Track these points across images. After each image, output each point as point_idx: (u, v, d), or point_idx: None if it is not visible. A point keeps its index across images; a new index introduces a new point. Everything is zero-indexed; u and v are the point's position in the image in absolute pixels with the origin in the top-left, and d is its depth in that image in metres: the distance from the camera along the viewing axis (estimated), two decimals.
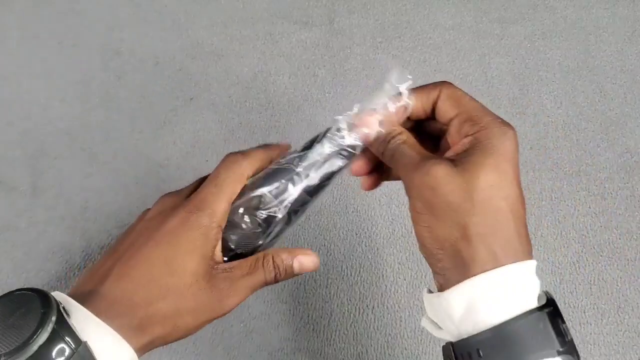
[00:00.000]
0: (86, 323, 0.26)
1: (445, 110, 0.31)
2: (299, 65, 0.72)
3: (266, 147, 0.36)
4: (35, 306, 0.25)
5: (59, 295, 0.28)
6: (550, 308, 0.28)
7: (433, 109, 0.33)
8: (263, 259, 0.33)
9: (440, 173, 0.28)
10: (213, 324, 0.55)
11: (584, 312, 0.57)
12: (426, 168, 0.28)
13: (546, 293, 0.29)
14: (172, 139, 0.66)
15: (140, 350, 0.29)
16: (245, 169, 0.33)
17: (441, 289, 0.29)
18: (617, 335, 0.55)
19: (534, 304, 0.28)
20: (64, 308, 0.26)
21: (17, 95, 0.69)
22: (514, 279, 0.27)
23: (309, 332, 0.55)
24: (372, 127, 0.33)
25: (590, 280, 0.58)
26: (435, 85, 0.32)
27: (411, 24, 0.75)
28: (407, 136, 0.32)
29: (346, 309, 0.56)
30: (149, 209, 0.33)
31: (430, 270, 0.31)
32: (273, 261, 0.33)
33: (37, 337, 0.24)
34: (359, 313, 0.56)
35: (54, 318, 0.25)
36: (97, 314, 0.27)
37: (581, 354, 0.56)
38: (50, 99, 0.69)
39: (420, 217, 0.29)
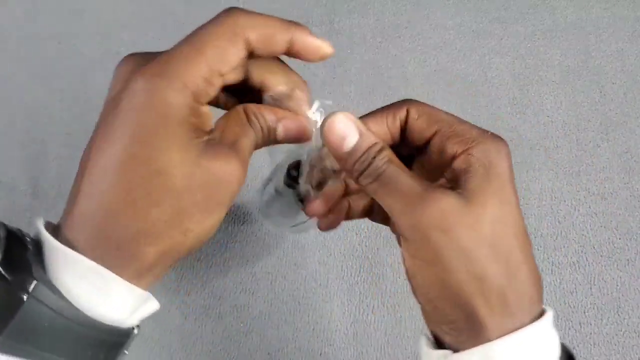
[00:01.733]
0: (56, 257, 0.21)
1: (421, 129, 0.25)
2: (299, 65, 0.72)
3: (283, 22, 0.26)
4: None
5: (36, 225, 0.23)
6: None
7: (401, 132, 0.27)
8: (248, 115, 0.25)
9: (451, 209, 0.22)
10: (213, 324, 0.55)
11: (584, 312, 0.56)
12: (433, 202, 0.22)
13: (563, 347, 0.25)
14: None
15: (147, 277, 0.23)
16: (242, 28, 0.24)
17: (447, 346, 0.25)
18: (617, 335, 0.55)
19: None
20: (26, 240, 0.22)
21: (17, 95, 0.69)
22: (534, 341, 0.23)
23: (309, 332, 0.55)
24: (347, 133, 0.24)
25: (591, 280, 0.58)
26: (399, 104, 0.26)
27: (411, 24, 0.75)
28: (391, 153, 0.25)
29: (346, 309, 0.56)
30: (129, 57, 0.25)
31: None
32: (258, 118, 0.26)
33: None
34: (359, 313, 0.56)
35: None
36: (73, 241, 0.21)
37: (581, 355, 0.56)
38: (50, 99, 0.69)
39: (423, 268, 0.24)
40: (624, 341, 0.55)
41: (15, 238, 0.22)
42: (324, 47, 0.27)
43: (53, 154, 0.65)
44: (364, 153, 0.24)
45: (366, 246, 0.59)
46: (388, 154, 0.24)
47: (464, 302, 0.23)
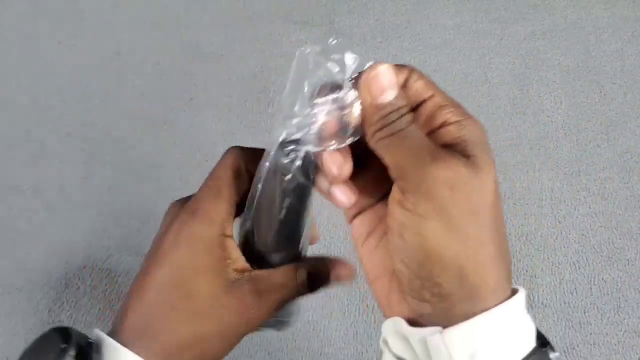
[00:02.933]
0: (114, 354, 0.25)
1: (418, 90, 0.26)
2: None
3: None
4: (54, 342, 0.25)
5: (96, 332, 0.27)
6: (547, 345, 0.25)
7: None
8: (296, 268, 0.29)
9: (462, 170, 0.23)
10: None
11: (584, 312, 0.57)
12: (447, 161, 0.23)
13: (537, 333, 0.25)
14: (172, 139, 0.66)
15: None
16: (242, 161, 0.28)
17: (423, 322, 0.24)
18: (617, 335, 0.55)
19: (533, 342, 0.24)
20: (90, 342, 0.26)
21: (17, 95, 0.69)
22: (517, 315, 0.24)
23: (309, 332, 0.55)
24: (389, 87, 0.25)
25: (590, 280, 0.58)
26: (402, 65, 0.27)
27: (411, 24, 0.75)
28: (412, 116, 0.25)
29: (346, 309, 0.56)
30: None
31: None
32: (307, 271, 0.29)
33: None
34: (359, 313, 0.56)
35: (72, 352, 0.24)
36: (125, 343, 0.26)
37: (581, 354, 0.56)
38: (50, 99, 0.69)
39: (424, 223, 0.23)
40: (624, 341, 0.55)
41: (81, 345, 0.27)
42: None
43: (53, 154, 0.65)
44: (396, 109, 0.25)
45: None
46: (410, 117, 0.25)
47: (457, 265, 0.23)
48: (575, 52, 0.73)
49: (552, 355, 0.24)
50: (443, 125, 0.25)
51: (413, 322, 0.25)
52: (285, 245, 0.29)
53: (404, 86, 0.26)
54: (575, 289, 0.58)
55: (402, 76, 0.26)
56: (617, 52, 0.73)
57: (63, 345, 0.24)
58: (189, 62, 0.72)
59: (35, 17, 0.76)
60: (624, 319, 0.56)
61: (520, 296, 0.24)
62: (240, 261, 0.28)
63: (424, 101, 0.26)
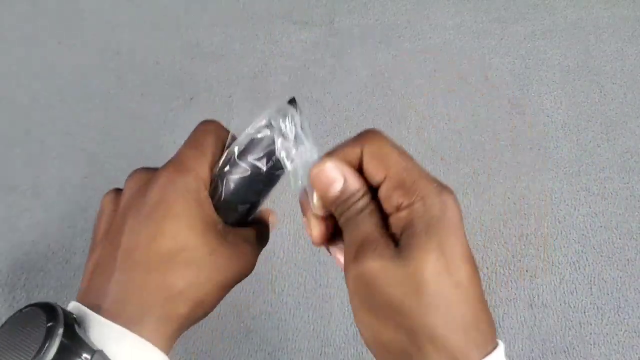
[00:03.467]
0: (101, 330, 0.25)
1: (372, 173, 0.26)
2: (299, 65, 0.72)
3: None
4: (41, 321, 0.24)
5: (74, 305, 0.26)
6: None
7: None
8: (258, 226, 0.31)
9: (376, 267, 0.24)
10: (213, 324, 0.55)
11: (584, 312, 0.57)
12: (360, 259, 0.24)
13: None
14: (172, 139, 0.66)
15: (171, 340, 0.27)
16: (224, 134, 0.30)
17: None
18: (617, 335, 0.55)
19: None
20: (75, 318, 0.25)
21: (17, 95, 0.69)
22: None
23: (309, 332, 0.55)
24: (334, 179, 0.26)
25: (591, 280, 0.58)
26: (357, 140, 0.27)
27: (411, 24, 0.75)
28: (368, 198, 0.26)
29: (346, 309, 0.56)
30: (116, 189, 0.30)
31: None
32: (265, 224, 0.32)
33: (44, 354, 0.23)
34: None
35: (60, 331, 0.23)
36: (112, 317, 0.25)
37: (581, 354, 0.56)
38: (50, 99, 0.69)
39: (360, 315, 0.25)
40: (624, 341, 0.55)
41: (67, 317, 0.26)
42: None
43: (53, 154, 0.65)
44: (347, 197, 0.26)
45: None
46: (365, 201, 0.26)
47: (398, 350, 0.24)
48: (575, 52, 0.73)
49: None
50: (398, 209, 0.25)
51: None
52: (246, 213, 0.31)
53: (360, 168, 0.27)
54: (575, 288, 0.58)
55: (355, 155, 0.26)
56: (617, 52, 0.73)
57: (50, 324, 0.24)
58: (189, 62, 0.72)
59: (35, 17, 0.75)
60: (624, 318, 0.56)
61: (498, 353, 0.24)
62: (217, 216, 0.29)
63: (380, 183, 0.26)
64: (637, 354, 0.55)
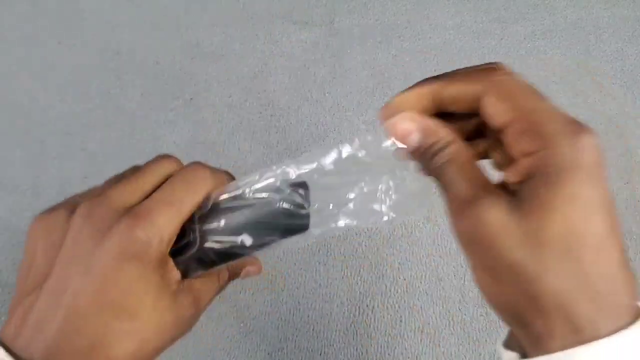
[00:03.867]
0: None
1: (495, 114, 0.22)
2: (299, 65, 0.72)
3: (228, 175, 0.29)
4: None
5: None
6: None
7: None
8: (219, 272, 0.30)
9: (495, 221, 0.20)
10: (213, 324, 0.55)
11: None
12: (475, 213, 0.21)
13: None
14: (172, 139, 0.66)
15: None
16: (210, 189, 0.26)
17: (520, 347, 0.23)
18: None
19: None
20: None
21: (17, 95, 0.69)
22: (615, 355, 0.20)
23: (309, 332, 0.55)
24: (409, 131, 0.24)
25: None
26: (480, 72, 0.23)
27: (411, 24, 0.75)
28: (456, 148, 0.23)
29: (346, 309, 0.56)
30: (47, 214, 0.26)
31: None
32: (227, 271, 0.30)
33: None
34: (359, 313, 0.56)
35: None
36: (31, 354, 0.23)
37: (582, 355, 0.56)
38: (50, 99, 0.69)
39: (477, 275, 0.22)
40: None
41: None
42: None
43: (53, 154, 0.65)
44: (424, 151, 0.24)
45: (366, 246, 0.59)
46: (450, 150, 0.23)
47: (516, 313, 0.21)
48: (575, 52, 0.73)
49: None
50: (523, 155, 0.22)
51: None
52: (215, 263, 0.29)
53: (477, 106, 0.23)
54: None
55: (475, 91, 0.23)
56: (617, 52, 0.73)
57: None
58: (189, 62, 0.72)
59: (35, 17, 0.75)
60: None
61: (617, 338, 0.20)
62: (176, 272, 0.27)
63: (505, 125, 0.22)
64: None
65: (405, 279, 0.57)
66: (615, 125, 0.68)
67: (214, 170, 0.27)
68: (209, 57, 0.72)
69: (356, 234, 0.59)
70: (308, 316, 0.55)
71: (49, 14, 0.76)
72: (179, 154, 0.29)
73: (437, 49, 0.73)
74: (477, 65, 0.24)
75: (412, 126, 0.24)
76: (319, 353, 0.54)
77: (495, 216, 0.21)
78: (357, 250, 0.58)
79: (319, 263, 0.58)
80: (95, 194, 0.26)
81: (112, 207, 0.25)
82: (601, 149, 0.21)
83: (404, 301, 0.56)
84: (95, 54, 0.72)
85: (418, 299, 0.56)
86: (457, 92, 0.23)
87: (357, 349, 0.54)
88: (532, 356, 0.21)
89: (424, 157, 0.24)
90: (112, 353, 0.24)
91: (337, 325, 0.55)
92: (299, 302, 0.56)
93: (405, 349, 0.54)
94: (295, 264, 0.58)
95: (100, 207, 0.25)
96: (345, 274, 0.57)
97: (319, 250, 0.58)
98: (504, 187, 0.23)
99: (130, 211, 0.25)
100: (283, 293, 0.56)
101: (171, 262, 0.26)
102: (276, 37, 0.74)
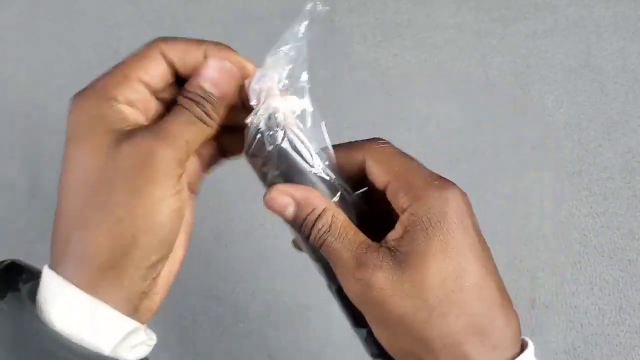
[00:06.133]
0: (48, 288, 0.24)
1: (376, 176, 0.25)
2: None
3: (199, 40, 0.29)
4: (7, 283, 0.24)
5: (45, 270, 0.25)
6: None
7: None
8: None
9: (381, 284, 0.22)
10: (213, 325, 0.55)
11: (586, 313, 0.56)
12: (362, 278, 0.23)
13: None
14: None
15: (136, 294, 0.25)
16: (162, 48, 0.28)
17: None
18: (618, 336, 0.55)
19: None
20: (24, 277, 0.25)
21: (17, 95, 0.69)
22: None
23: (309, 332, 0.55)
24: (285, 205, 0.25)
25: (592, 281, 0.58)
26: (362, 145, 0.26)
27: (412, 23, 0.75)
28: (331, 216, 0.25)
29: None
30: (80, 97, 0.28)
31: None
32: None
33: None
34: None
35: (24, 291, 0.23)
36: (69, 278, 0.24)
37: (582, 355, 0.56)
38: (50, 99, 0.69)
39: (375, 328, 0.25)
40: (626, 342, 0.55)
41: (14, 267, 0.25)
42: (241, 60, 0.30)
43: (53, 154, 0.65)
44: (302, 221, 0.25)
45: None
46: (326, 220, 0.25)
47: (415, 358, 0.24)
48: (576, 51, 0.73)
49: None
50: (402, 211, 0.24)
51: None
52: None
53: (363, 173, 0.26)
54: (576, 289, 0.58)
55: (357, 160, 0.25)
56: (618, 51, 0.73)
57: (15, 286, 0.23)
58: None
59: (35, 17, 0.75)
60: (626, 319, 0.56)
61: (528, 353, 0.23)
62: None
63: (386, 186, 0.25)
64: (638, 354, 0.54)
65: None
66: (617, 125, 0.67)
67: (174, 38, 0.28)
68: None
69: None
70: (308, 316, 0.55)
71: (48, 14, 0.76)
72: None
73: (438, 48, 0.73)
74: (359, 141, 0.27)
75: (287, 200, 0.25)
76: (319, 353, 0.54)
77: (381, 278, 0.23)
78: None
79: None
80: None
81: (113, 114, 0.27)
82: (467, 200, 0.24)
83: None
84: (94, 53, 0.72)
85: None
86: (345, 159, 0.26)
87: (357, 349, 0.54)
88: None
89: (305, 229, 0.25)
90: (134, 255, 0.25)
91: (337, 326, 0.55)
92: (298, 302, 0.56)
93: None
94: (294, 264, 0.58)
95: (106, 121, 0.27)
96: None
97: None
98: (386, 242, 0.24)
99: (153, 127, 0.27)
100: (283, 293, 0.56)
101: (126, 111, 0.26)
102: (276, 37, 0.74)
